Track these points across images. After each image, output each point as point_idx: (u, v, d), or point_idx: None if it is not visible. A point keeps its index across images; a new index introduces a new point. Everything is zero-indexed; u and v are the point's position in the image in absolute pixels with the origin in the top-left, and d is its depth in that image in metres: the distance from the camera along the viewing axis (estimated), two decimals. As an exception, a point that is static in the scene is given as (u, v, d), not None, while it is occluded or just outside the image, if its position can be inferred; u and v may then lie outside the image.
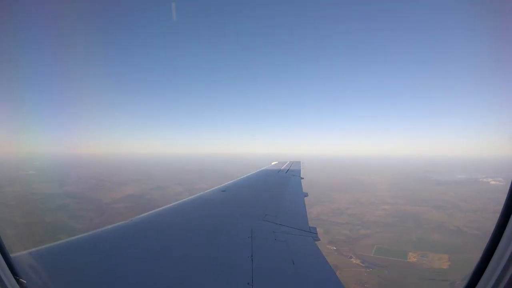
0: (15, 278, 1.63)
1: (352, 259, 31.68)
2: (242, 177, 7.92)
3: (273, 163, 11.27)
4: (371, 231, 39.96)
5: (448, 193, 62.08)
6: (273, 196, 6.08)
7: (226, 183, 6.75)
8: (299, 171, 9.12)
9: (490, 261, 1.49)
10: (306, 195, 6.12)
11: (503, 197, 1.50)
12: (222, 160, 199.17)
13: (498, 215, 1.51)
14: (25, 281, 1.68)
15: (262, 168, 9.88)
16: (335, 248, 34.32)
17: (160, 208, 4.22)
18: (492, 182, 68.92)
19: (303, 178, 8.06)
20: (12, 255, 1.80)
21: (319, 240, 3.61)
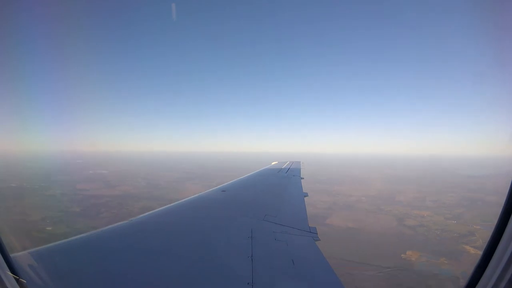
0: (15, 278, 1.65)
1: (474, 226, 40.67)
2: (242, 177, 7.91)
3: (273, 163, 11.27)
4: (462, 211, 48.42)
5: (485, 184, 71.60)
6: (273, 196, 6.10)
7: (226, 183, 6.79)
8: (299, 171, 9.18)
9: (490, 261, 1.50)
10: (306, 195, 6.16)
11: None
12: (230, 158, 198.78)
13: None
14: (25, 281, 1.71)
15: (262, 168, 9.90)
16: (455, 222, 42.96)
17: (160, 208, 4.27)
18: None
19: (303, 178, 8.09)
20: (12, 255, 1.83)
21: (319, 240, 3.61)
